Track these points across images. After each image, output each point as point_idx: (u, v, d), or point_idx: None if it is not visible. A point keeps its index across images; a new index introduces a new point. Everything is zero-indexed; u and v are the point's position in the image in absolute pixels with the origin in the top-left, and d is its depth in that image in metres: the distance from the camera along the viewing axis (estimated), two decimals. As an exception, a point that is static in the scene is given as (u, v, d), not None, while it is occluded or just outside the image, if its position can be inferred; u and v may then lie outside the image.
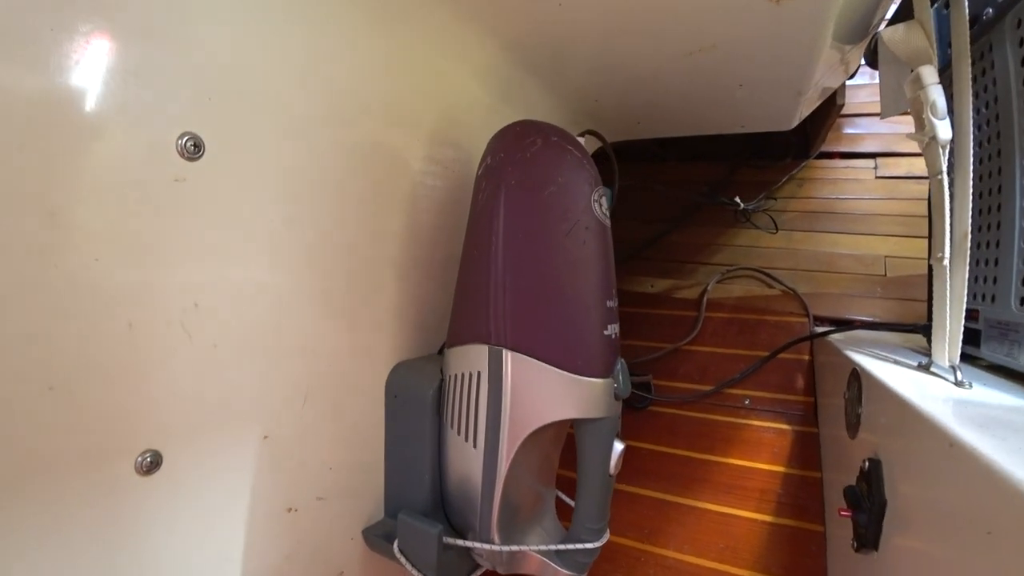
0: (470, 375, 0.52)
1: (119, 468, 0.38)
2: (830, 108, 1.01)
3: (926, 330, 0.66)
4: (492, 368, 0.50)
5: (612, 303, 0.49)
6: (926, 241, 1.09)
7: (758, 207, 1.10)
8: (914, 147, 1.25)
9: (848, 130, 1.31)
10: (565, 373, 0.48)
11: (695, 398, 0.95)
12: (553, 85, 0.79)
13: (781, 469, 0.82)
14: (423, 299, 0.63)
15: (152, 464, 0.39)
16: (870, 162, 1.25)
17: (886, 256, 1.07)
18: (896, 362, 0.60)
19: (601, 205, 0.50)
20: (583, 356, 0.48)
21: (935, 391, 0.47)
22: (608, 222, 0.51)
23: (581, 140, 0.87)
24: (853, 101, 1.34)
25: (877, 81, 1.39)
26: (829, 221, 1.17)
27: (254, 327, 0.45)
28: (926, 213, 1.05)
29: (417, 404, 0.57)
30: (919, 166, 1.23)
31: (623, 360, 0.50)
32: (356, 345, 0.55)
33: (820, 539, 0.75)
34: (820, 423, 0.86)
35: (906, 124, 1.29)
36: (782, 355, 0.96)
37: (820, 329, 0.95)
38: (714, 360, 1.00)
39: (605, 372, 0.49)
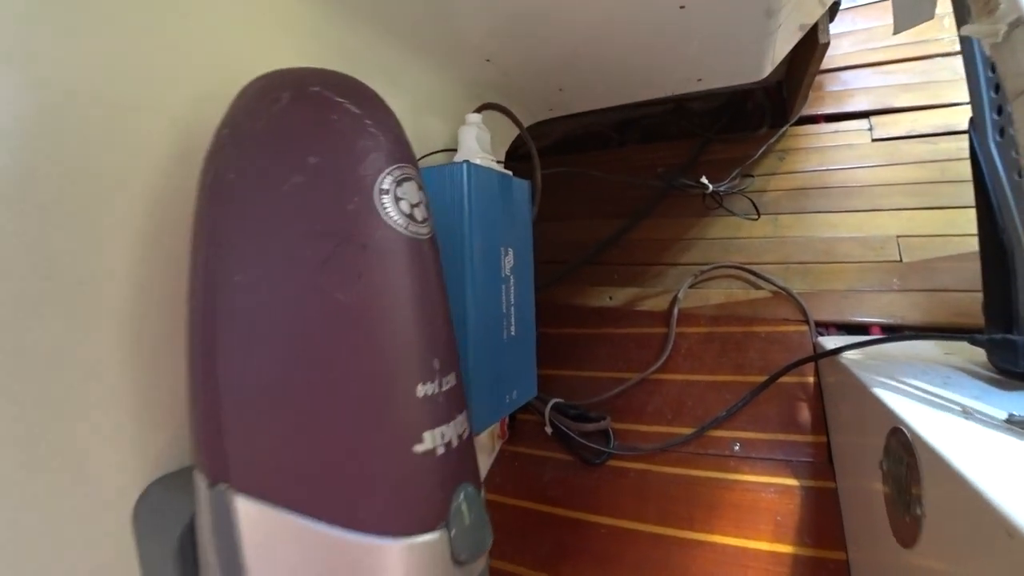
0: (200, 525, 0.28)
1: None
2: (811, 53, 0.79)
3: (990, 344, 0.43)
4: (218, 524, 0.26)
5: (433, 386, 0.26)
6: (947, 213, 0.87)
7: (731, 188, 0.87)
8: (915, 100, 1.03)
9: (832, 87, 1.08)
10: (344, 534, 0.24)
11: (669, 446, 0.72)
12: (417, 41, 0.56)
13: (789, 549, 0.58)
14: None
15: None
16: (863, 123, 1.02)
17: (899, 236, 0.84)
18: (965, 411, 0.36)
19: (399, 202, 0.26)
20: (376, 498, 0.24)
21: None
22: (424, 231, 0.27)
23: (477, 118, 0.64)
24: (834, 53, 1.12)
25: (861, 27, 1.17)
26: (821, 199, 0.94)
27: None
28: (941, 178, 0.83)
29: (159, 557, 0.33)
30: (923, 122, 1.00)
31: (471, 487, 0.27)
32: (59, 468, 0.31)
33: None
34: (838, 473, 0.62)
35: (901, 72, 1.07)
36: (782, 379, 0.72)
37: (829, 342, 0.71)
38: (691, 391, 0.77)
39: (425, 522, 0.25)
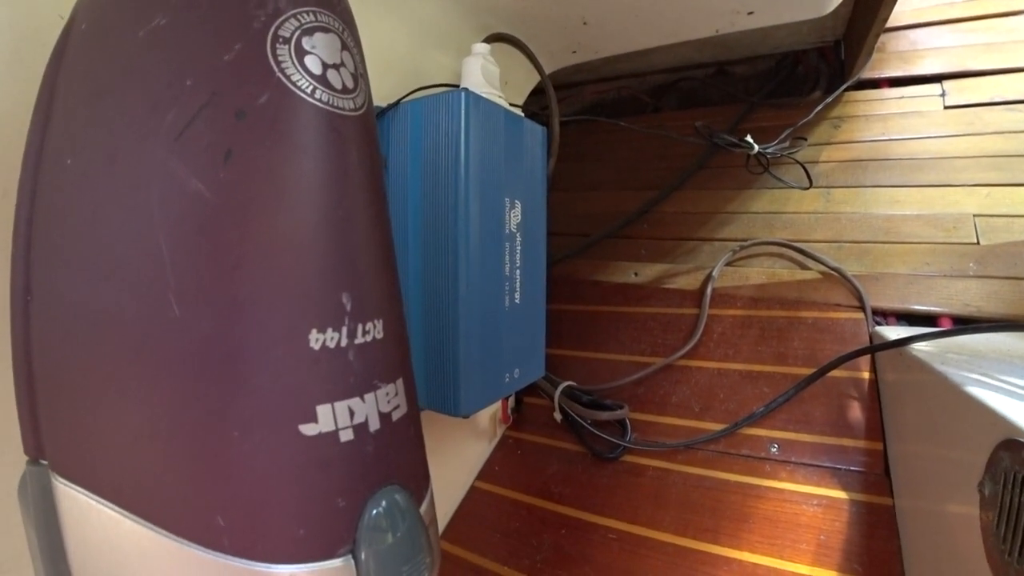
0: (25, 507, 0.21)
1: None
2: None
3: None
4: (39, 513, 0.18)
5: (338, 336, 0.17)
6: (1035, 189, 0.74)
7: (780, 151, 0.76)
8: (998, 62, 0.88)
9: (898, 47, 0.95)
10: (193, 551, 0.16)
11: (694, 443, 0.62)
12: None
13: (832, 575, 0.49)
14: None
15: None
16: (935, 87, 0.89)
17: (976, 215, 0.72)
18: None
19: (305, 57, 0.17)
20: (237, 504, 0.16)
21: None
22: (346, 103, 0.18)
23: (484, 48, 0.55)
24: (903, 8, 0.99)
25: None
26: (882, 171, 0.82)
27: None
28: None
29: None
30: (1008, 88, 0.87)
31: (399, 492, 0.18)
32: None
33: None
34: (897, 489, 0.52)
35: (982, 30, 0.93)
36: (832, 373, 0.62)
37: (889, 333, 0.61)
38: (723, 382, 0.67)
39: (317, 543, 0.16)
